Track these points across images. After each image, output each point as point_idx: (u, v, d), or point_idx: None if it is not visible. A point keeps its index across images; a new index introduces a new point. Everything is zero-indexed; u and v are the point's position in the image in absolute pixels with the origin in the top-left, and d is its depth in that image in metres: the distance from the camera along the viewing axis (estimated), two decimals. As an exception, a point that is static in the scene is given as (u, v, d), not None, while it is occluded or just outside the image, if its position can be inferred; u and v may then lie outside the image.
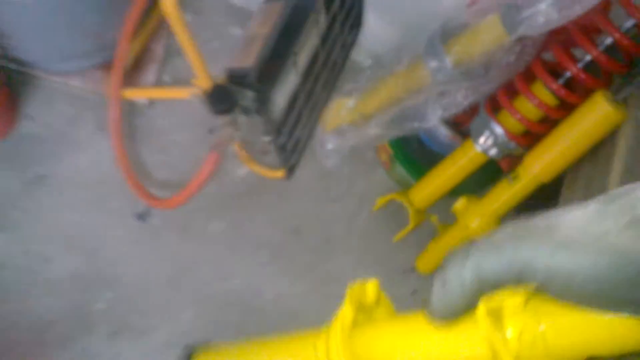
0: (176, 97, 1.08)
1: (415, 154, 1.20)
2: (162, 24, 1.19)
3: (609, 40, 0.87)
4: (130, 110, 1.17)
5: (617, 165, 0.88)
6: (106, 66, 1.14)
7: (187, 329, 1.12)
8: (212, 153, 1.03)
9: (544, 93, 0.95)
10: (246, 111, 0.93)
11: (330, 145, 1.19)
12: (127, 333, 1.10)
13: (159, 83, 1.20)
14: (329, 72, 1.14)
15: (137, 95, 1.12)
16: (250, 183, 1.21)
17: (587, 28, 0.90)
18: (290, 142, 1.05)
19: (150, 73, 1.18)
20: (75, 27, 0.99)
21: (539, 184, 0.99)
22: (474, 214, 1.08)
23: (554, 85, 0.93)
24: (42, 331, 1.06)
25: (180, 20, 0.81)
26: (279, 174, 1.18)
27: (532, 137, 0.99)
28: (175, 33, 0.84)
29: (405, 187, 1.21)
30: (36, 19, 0.94)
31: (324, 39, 1.01)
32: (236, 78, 0.90)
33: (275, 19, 0.92)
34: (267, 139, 0.99)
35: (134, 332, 1.11)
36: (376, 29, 1.20)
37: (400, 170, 1.22)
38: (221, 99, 0.90)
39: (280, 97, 0.99)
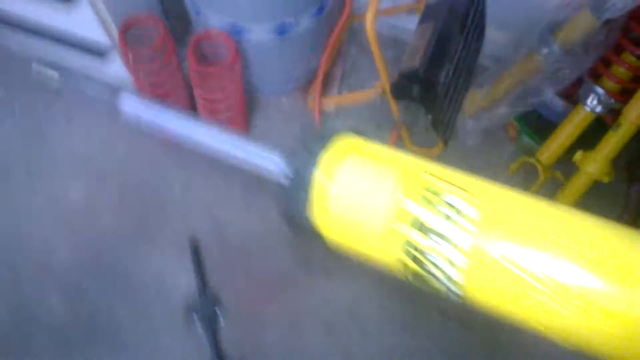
0: (364, 98, 1.53)
1: (536, 125, 1.57)
2: (339, 52, 1.67)
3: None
4: (321, 117, 1.64)
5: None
6: (303, 88, 1.63)
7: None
8: (393, 132, 1.46)
9: (631, 59, 1.31)
10: (416, 99, 1.36)
11: (469, 127, 1.60)
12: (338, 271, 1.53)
13: (340, 95, 1.67)
14: (466, 70, 1.56)
15: (333, 102, 1.59)
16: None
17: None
18: (444, 119, 1.47)
19: (333, 89, 1.66)
20: (299, 61, 1.49)
21: (637, 129, 1.33)
22: (590, 162, 1.42)
23: (638, 52, 1.29)
24: (282, 275, 1.51)
25: (375, 40, 1.26)
26: (437, 150, 1.59)
27: (627, 93, 1.34)
28: (371, 46, 1.29)
29: (531, 154, 1.57)
30: (272, 56, 1.44)
31: (464, 45, 1.44)
32: (408, 75, 1.33)
33: (430, 35, 1.36)
34: (429, 117, 1.42)
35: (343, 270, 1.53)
36: (493, 35, 1.60)
37: (526, 139, 1.59)
38: (400, 91, 1.34)
39: (439, 88, 1.41)
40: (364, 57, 1.72)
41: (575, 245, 0.37)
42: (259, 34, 1.31)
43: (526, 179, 1.60)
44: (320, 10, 1.36)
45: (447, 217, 0.40)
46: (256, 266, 1.51)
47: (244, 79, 1.51)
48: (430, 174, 0.44)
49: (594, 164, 1.42)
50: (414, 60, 1.37)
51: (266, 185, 1.63)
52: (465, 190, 0.43)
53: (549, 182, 1.57)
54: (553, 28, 1.35)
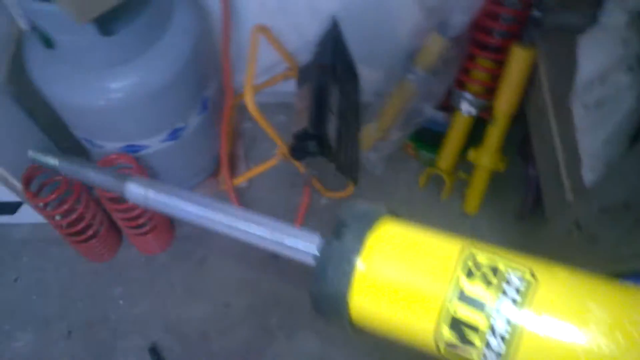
0: (269, 166, 1.62)
1: (429, 139, 1.72)
2: (236, 132, 1.77)
3: (504, 14, 1.41)
4: (237, 194, 1.73)
5: (544, 85, 1.38)
6: (212, 175, 1.72)
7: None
8: (305, 188, 1.56)
9: (484, 62, 1.48)
10: (314, 153, 1.46)
11: (373, 159, 1.72)
12: (300, 332, 1.59)
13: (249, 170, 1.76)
14: (352, 112, 1.69)
15: (243, 179, 1.68)
16: (331, 206, 1.74)
17: (489, 13, 1.44)
18: (347, 161, 1.58)
19: (241, 167, 1.75)
20: (200, 155, 1.57)
21: (510, 117, 1.49)
22: (482, 156, 1.57)
23: (487, 54, 1.46)
24: (246, 351, 1.56)
25: (259, 114, 1.36)
26: (348, 190, 1.70)
27: (491, 91, 1.51)
28: (259, 122, 1.39)
29: (432, 164, 1.71)
30: (175, 162, 1.52)
31: (341, 92, 1.57)
32: (300, 136, 1.44)
33: (309, 94, 1.48)
34: (333, 165, 1.53)
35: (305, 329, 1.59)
36: (366, 74, 1.75)
37: (424, 153, 1.73)
38: (297, 151, 1.44)
39: (331, 137, 1.53)
40: (261, 128, 1.82)
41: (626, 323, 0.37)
42: (155, 145, 1.39)
43: (437, 187, 1.74)
44: (204, 106, 1.46)
45: (504, 292, 0.41)
46: (219, 349, 1.56)
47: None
48: (481, 250, 0.45)
49: (486, 158, 1.57)
50: (302, 121, 1.48)
51: (203, 270, 1.64)
52: (518, 265, 0.43)
53: (457, 184, 1.71)
54: (412, 55, 1.51)
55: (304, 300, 1.73)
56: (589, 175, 1.20)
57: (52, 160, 0.76)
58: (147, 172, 1.47)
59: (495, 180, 1.65)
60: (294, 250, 0.52)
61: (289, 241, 0.53)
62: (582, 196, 1.22)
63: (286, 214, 1.70)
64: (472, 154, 1.60)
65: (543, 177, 1.42)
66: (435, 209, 1.75)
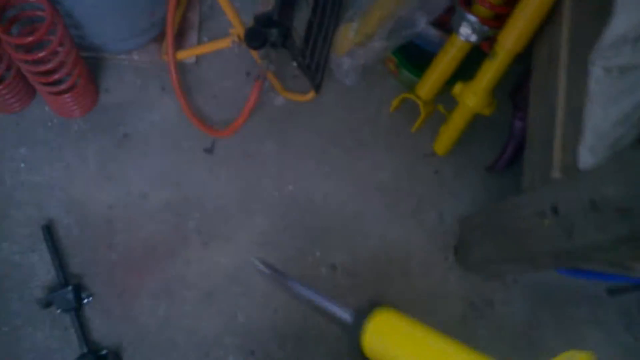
0: (220, 47, 1.36)
1: (415, 58, 1.46)
2: (193, -4, 1.47)
3: None
4: (181, 70, 1.46)
5: (564, 29, 1.12)
6: (157, 39, 1.44)
7: (261, 231, 1.43)
8: (256, 82, 1.31)
9: (502, -18, 1.19)
10: (274, 45, 1.20)
11: (345, 66, 1.46)
12: (216, 241, 1.41)
13: (200, 44, 1.49)
14: (331, 6, 1.40)
15: (188, 54, 1.41)
16: (287, 109, 1.50)
17: None
18: (313, 63, 1.33)
19: (191, 37, 1.47)
20: (132, 11, 1.28)
21: (513, 56, 1.24)
22: (470, 94, 1.33)
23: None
24: (152, 250, 1.38)
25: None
26: (309, 96, 1.46)
27: (500, 19, 1.24)
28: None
29: (413, 88, 1.46)
30: (102, 10, 1.23)
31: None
32: (262, 20, 1.17)
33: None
34: (294, 63, 1.27)
35: (221, 239, 1.42)
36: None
37: (406, 74, 1.48)
38: (254, 37, 1.18)
39: (298, 30, 1.26)
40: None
41: None
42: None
43: (409, 115, 1.51)
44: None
45: None
46: (122, 242, 1.38)
47: (78, 39, 1.30)
48: None
49: (473, 97, 1.33)
50: (268, 4, 1.21)
51: (124, 150, 1.38)
52: None
53: (433, 118, 1.48)
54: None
55: (229, 208, 1.58)
56: (587, 156, 0.98)
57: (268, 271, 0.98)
58: (67, 21, 1.19)
59: (475, 123, 1.42)
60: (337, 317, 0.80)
61: (339, 313, 0.80)
62: (572, 180, 1.02)
63: (233, 105, 1.46)
64: (458, 89, 1.35)
65: (531, 139, 1.20)
66: (401, 140, 1.53)
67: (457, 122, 1.41)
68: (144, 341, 1.34)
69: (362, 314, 0.73)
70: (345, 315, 0.78)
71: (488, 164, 1.54)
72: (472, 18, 1.24)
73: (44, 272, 1.34)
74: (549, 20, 1.18)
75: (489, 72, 1.29)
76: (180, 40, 1.45)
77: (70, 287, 1.29)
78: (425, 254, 1.51)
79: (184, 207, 1.42)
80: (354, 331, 0.72)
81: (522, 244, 1.19)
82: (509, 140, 1.50)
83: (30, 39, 1.13)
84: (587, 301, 1.58)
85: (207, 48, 1.42)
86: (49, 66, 1.21)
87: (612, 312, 1.59)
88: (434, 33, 1.39)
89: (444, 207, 1.54)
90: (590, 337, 1.57)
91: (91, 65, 1.44)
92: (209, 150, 1.45)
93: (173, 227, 1.41)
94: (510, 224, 1.24)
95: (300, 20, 1.26)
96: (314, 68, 1.35)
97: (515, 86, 1.49)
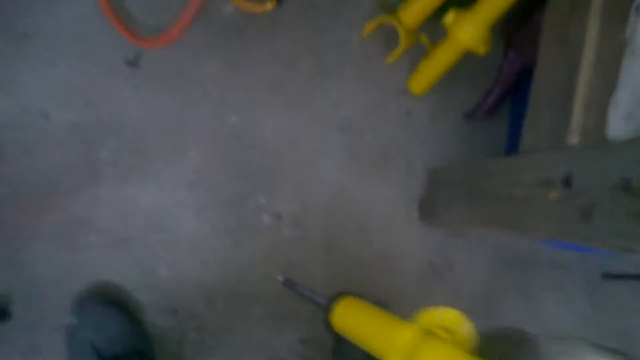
0: None
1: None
2: None
3: None
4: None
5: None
6: None
7: (194, 168, 1.17)
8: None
9: None
10: None
11: (313, -28, 1.16)
12: (135, 177, 1.15)
13: None
14: None
15: None
16: (237, 21, 1.20)
17: None
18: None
19: None
20: None
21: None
22: (464, 25, 1.08)
23: None
24: (54, 184, 1.10)
25: None
26: (267, 7, 1.16)
27: None
28: None
29: (394, 11, 1.19)
30: None
31: None
32: None
33: None
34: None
35: (142, 175, 1.15)
36: None
37: (387, -9, 1.20)
38: None
39: None
40: None
41: None
42: None
43: (386, 43, 1.25)
44: None
45: None
46: (14, 170, 1.09)
47: None
48: None
49: (468, 30, 1.08)
50: None
51: (25, 55, 1.07)
52: None
53: (413, 50, 1.23)
54: None
55: (155, 138, 1.17)
56: (620, 124, 0.77)
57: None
58: None
59: (462, 61, 1.18)
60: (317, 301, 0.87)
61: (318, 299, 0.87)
62: (597, 149, 0.81)
63: (169, 8, 1.14)
64: (451, 18, 1.10)
65: (538, 93, 0.98)
66: (372, 72, 1.27)
67: (442, 57, 1.16)
68: (39, 294, 1.09)
69: (332, 299, 0.82)
70: (321, 300, 0.85)
71: (468, 109, 1.32)
72: None
73: None
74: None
75: (493, 2, 1.04)
76: None
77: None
78: (387, 208, 1.31)
79: (96, 133, 1.13)
80: (326, 311, 0.81)
81: (511, 213, 1.00)
82: (496, 84, 1.28)
83: None
84: (554, 268, 1.44)
85: None
86: None
87: (576, 281, 1.47)
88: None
89: (413, 154, 1.32)
90: (549, 304, 1.45)
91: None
92: (133, 64, 1.14)
93: (81, 157, 1.12)
94: (498, 189, 1.04)
95: None
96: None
97: (511, 20, 1.24)
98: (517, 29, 1.22)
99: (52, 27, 1.11)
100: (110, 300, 1.09)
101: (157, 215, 1.16)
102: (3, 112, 1.09)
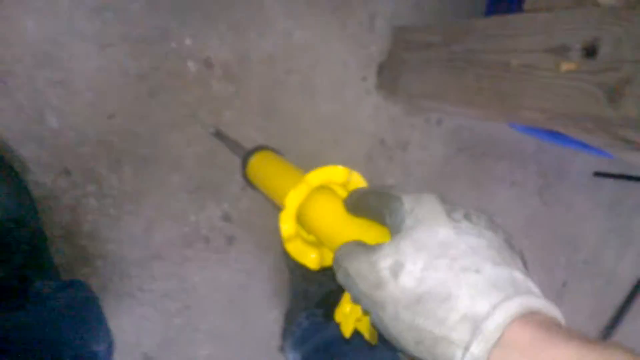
0: None
1: None
2: None
3: None
4: None
5: None
6: None
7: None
8: None
9: None
10: None
11: None
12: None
13: None
14: None
15: None
16: None
17: None
18: None
19: None
20: None
21: None
22: None
23: None
24: None
25: None
26: None
27: None
28: None
29: None
30: None
31: None
32: None
33: None
34: None
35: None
36: None
37: None
38: None
39: None
40: None
41: None
42: None
43: None
44: None
45: None
46: None
47: None
48: None
49: None
50: None
51: None
52: None
53: None
54: None
55: None
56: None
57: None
58: None
59: None
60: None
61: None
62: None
63: None
64: None
65: None
66: None
67: None
68: None
69: (251, 151, 0.81)
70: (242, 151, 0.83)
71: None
72: None
73: None
74: None
75: None
76: None
77: None
78: (340, 68, 1.08)
79: None
80: (243, 161, 0.81)
81: (503, 86, 0.81)
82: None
83: None
84: (509, 158, 1.31)
85: None
86: None
87: (530, 173, 1.35)
88: None
89: (377, 7, 1.08)
90: (501, 194, 1.34)
91: None
92: None
93: None
94: (489, 55, 0.84)
95: None
96: None
97: None
98: None
99: None
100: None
101: (49, 46, 0.87)
102: None
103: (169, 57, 0.94)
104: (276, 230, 0.60)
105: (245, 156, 0.81)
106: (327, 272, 0.55)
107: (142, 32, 0.92)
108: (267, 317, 1.14)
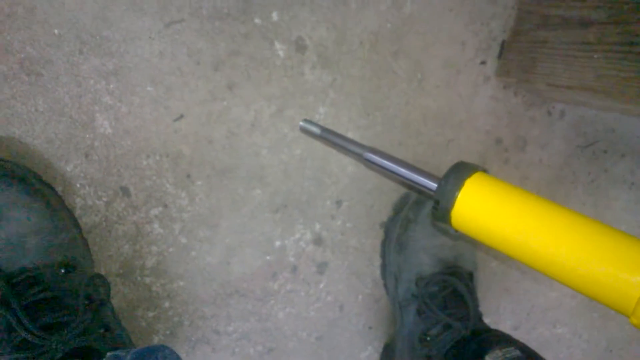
0: None
1: None
2: None
3: None
4: None
5: None
6: None
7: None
8: None
9: None
10: None
11: None
12: None
13: None
14: None
15: None
16: None
17: None
18: None
19: None
20: None
21: None
22: None
23: None
24: None
25: None
26: None
27: None
28: None
29: None
30: None
31: None
32: None
33: None
34: None
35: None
36: None
37: None
38: None
39: None
40: None
41: None
42: None
43: None
44: None
45: None
46: None
47: None
48: None
49: None
50: None
51: None
52: None
53: None
54: None
55: None
56: None
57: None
58: None
59: None
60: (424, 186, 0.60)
61: (424, 182, 0.60)
62: None
63: None
64: None
65: None
66: None
67: None
68: None
69: (450, 181, 0.55)
70: (429, 183, 0.60)
71: None
72: None
73: None
74: None
75: None
76: None
77: None
78: (456, 50, 0.86)
79: None
80: (442, 204, 0.55)
81: None
82: None
83: None
84: (631, 155, 1.09)
85: None
86: None
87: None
88: None
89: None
90: (621, 197, 1.13)
91: None
92: None
93: None
94: None
95: None
96: None
97: None
98: None
99: None
100: (12, 174, 0.60)
101: (95, 23, 0.64)
102: None
103: (251, 38, 0.72)
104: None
105: (450, 183, 0.55)
106: None
107: (218, 4, 0.69)
108: (360, 356, 0.94)
